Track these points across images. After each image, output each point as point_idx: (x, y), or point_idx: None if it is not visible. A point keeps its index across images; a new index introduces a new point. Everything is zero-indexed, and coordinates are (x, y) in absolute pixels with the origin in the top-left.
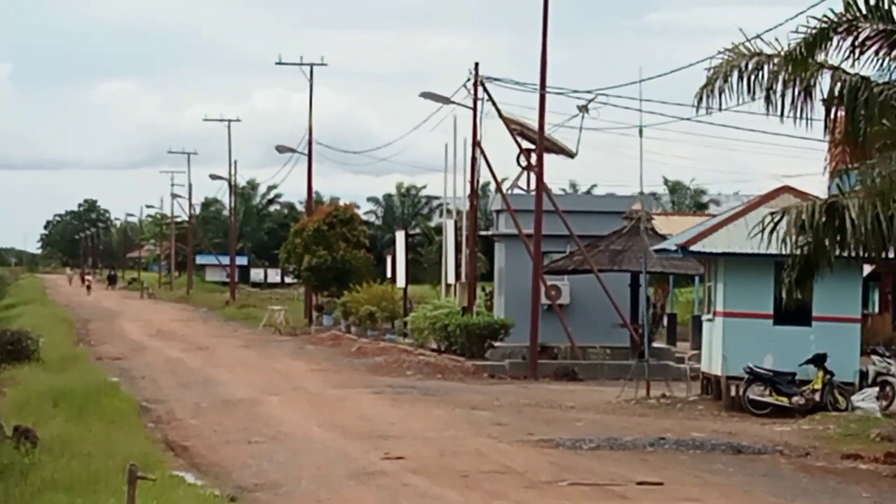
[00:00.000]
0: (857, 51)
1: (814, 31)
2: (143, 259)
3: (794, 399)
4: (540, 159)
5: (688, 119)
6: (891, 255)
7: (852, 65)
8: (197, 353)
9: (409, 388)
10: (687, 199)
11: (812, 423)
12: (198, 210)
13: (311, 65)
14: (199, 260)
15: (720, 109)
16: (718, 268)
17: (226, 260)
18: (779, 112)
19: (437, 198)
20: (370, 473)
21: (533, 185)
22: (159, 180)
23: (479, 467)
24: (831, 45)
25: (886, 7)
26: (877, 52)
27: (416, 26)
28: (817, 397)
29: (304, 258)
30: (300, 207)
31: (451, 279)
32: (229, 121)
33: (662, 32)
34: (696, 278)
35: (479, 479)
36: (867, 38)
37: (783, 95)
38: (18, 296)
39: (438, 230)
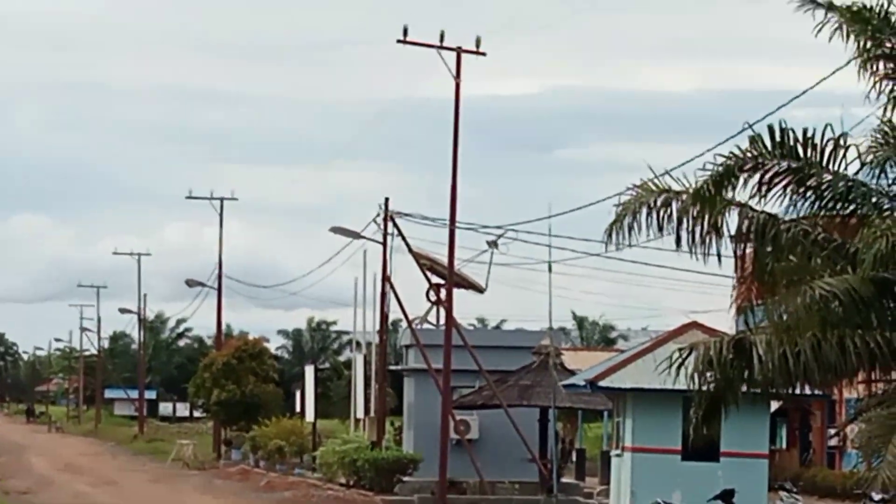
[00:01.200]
0: (765, 188)
1: (721, 169)
2: (52, 392)
3: None
4: (449, 294)
5: (597, 255)
6: (798, 391)
7: (759, 201)
8: (105, 487)
9: None
10: (595, 335)
11: None
12: (106, 344)
13: (222, 199)
14: (108, 394)
15: (629, 245)
16: (627, 403)
17: (134, 394)
18: (687, 248)
19: (346, 332)
20: None
21: (442, 320)
22: (68, 314)
23: None
24: (738, 182)
25: (792, 144)
26: (784, 189)
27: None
28: None
29: (212, 392)
30: (210, 342)
31: (361, 414)
32: (139, 254)
33: (571, 168)
34: (605, 413)
35: None
36: (774, 174)
37: (692, 232)
38: None
39: (348, 364)
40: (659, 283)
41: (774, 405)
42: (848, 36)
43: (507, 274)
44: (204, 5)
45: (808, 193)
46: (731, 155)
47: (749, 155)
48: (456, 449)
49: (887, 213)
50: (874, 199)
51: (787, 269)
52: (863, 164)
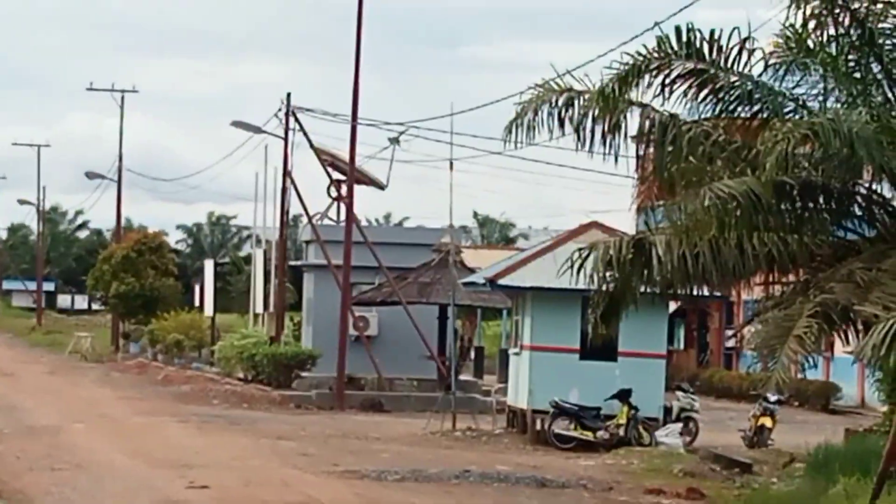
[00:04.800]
0: (668, 89)
1: (626, 68)
2: None
3: (599, 433)
4: (350, 190)
5: (498, 153)
6: (696, 292)
7: (663, 103)
8: (1, 378)
9: (216, 416)
10: (496, 233)
11: (616, 457)
12: (4, 235)
13: (123, 91)
14: (6, 285)
15: (530, 144)
16: (526, 302)
17: (32, 285)
18: (588, 148)
19: (247, 227)
20: (174, 502)
21: (343, 217)
22: None
23: (284, 498)
24: (643, 82)
25: (698, 45)
26: (686, 91)
27: (230, 54)
28: (622, 432)
29: (111, 285)
30: (109, 235)
31: (260, 309)
32: (39, 145)
33: (475, 66)
34: (504, 312)
35: None
36: (679, 75)
37: (593, 131)
38: None
39: (248, 260)
40: (560, 183)
41: (673, 306)
42: None
43: (409, 171)
44: None
45: (711, 95)
46: (636, 55)
47: (655, 55)
48: (355, 345)
49: (789, 115)
50: (777, 102)
51: (687, 170)
52: (767, 67)
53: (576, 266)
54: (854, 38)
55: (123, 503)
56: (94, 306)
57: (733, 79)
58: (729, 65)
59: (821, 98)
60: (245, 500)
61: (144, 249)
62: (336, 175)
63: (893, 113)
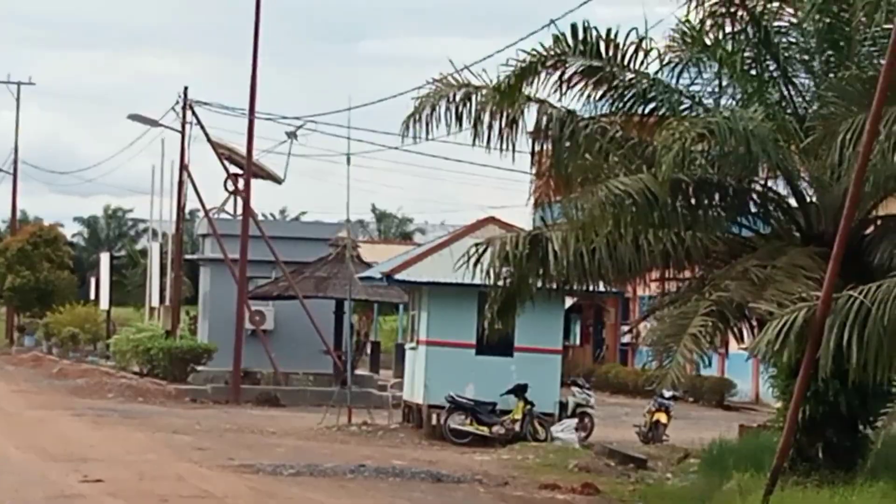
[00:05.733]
0: (565, 85)
1: (523, 65)
2: None
3: (495, 429)
4: (247, 184)
5: (395, 148)
6: (592, 288)
7: (559, 99)
8: None
9: (110, 410)
10: (393, 228)
11: (511, 452)
12: None
13: (19, 83)
14: None
15: (427, 139)
16: (422, 297)
17: None
18: (485, 143)
19: (143, 220)
20: (68, 496)
21: (240, 211)
22: None
23: (179, 492)
24: (539, 79)
25: (594, 42)
26: (584, 88)
27: (128, 47)
28: (517, 427)
29: (6, 278)
30: (4, 227)
31: (156, 302)
32: None
33: (374, 61)
34: (401, 307)
35: (178, 503)
36: (575, 73)
37: (490, 127)
38: None
39: (144, 253)
40: (457, 178)
41: (569, 301)
42: None
43: (306, 165)
44: None
45: (608, 92)
46: (533, 51)
47: (551, 53)
48: (251, 339)
49: (685, 112)
50: (673, 99)
51: (583, 166)
52: (663, 65)
53: (472, 261)
54: (750, 36)
55: (17, 497)
56: None
57: (629, 76)
58: (625, 62)
59: (716, 96)
60: (139, 495)
61: (40, 242)
62: (233, 169)
63: (789, 111)
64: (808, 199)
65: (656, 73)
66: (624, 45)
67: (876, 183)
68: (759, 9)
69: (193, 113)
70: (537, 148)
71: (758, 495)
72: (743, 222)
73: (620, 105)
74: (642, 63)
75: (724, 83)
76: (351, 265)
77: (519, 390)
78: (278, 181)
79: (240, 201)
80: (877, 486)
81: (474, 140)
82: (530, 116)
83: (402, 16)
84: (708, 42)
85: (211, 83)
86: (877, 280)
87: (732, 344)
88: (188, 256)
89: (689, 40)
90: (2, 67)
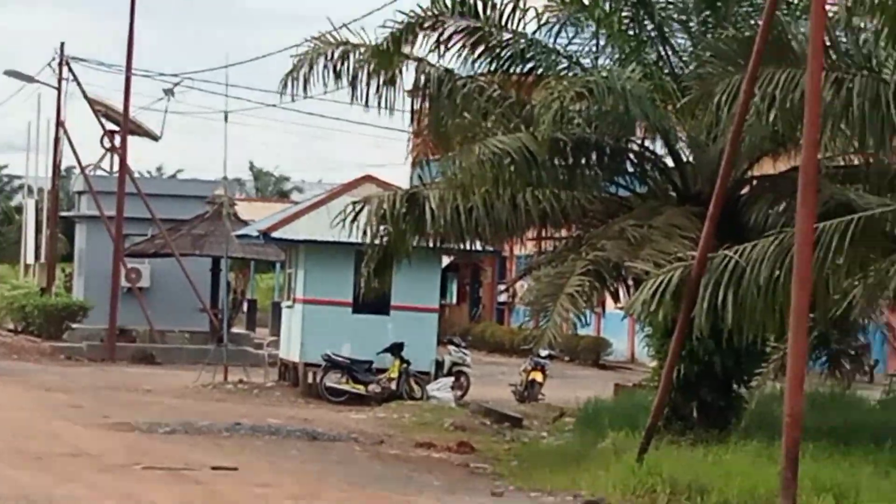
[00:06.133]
0: (443, 45)
1: (401, 27)
2: None
3: (371, 387)
4: (124, 141)
5: (274, 106)
6: (469, 246)
7: (438, 59)
8: None
9: None
10: (271, 186)
11: (387, 411)
12: None
13: None
14: None
15: (305, 97)
16: (299, 255)
17: None
18: (363, 101)
19: (19, 177)
20: None
21: (116, 167)
22: None
23: (54, 450)
24: (418, 38)
25: (472, 3)
26: (462, 48)
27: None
28: (393, 386)
29: None
30: None
31: (31, 259)
32: None
33: (252, 18)
34: (278, 265)
35: (53, 461)
36: (454, 32)
37: (368, 85)
38: None
39: (19, 209)
40: (336, 137)
41: (446, 260)
42: None
43: (183, 122)
44: None
45: (486, 52)
46: (411, 13)
47: (429, 13)
48: (127, 297)
49: (563, 72)
50: (551, 59)
51: (462, 125)
52: (541, 25)
53: (349, 219)
54: None
55: None
56: None
57: (507, 36)
58: (503, 23)
59: (594, 56)
60: (13, 452)
61: None
62: (110, 126)
63: (666, 71)
64: (684, 160)
65: (534, 32)
66: (501, 4)
67: (751, 143)
68: None
69: (70, 69)
70: (416, 107)
71: (632, 454)
72: (620, 182)
73: (499, 65)
74: (520, 23)
75: (602, 43)
76: (228, 223)
77: (395, 349)
78: (155, 138)
79: (116, 158)
80: (750, 444)
81: (352, 98)
82: (409, 75)
83: None
84: (586, 2)
85: (89, 39)
86: (752, 240)
87: (609, 303)
88: (64, 213)
89: (566, 0)
90: None
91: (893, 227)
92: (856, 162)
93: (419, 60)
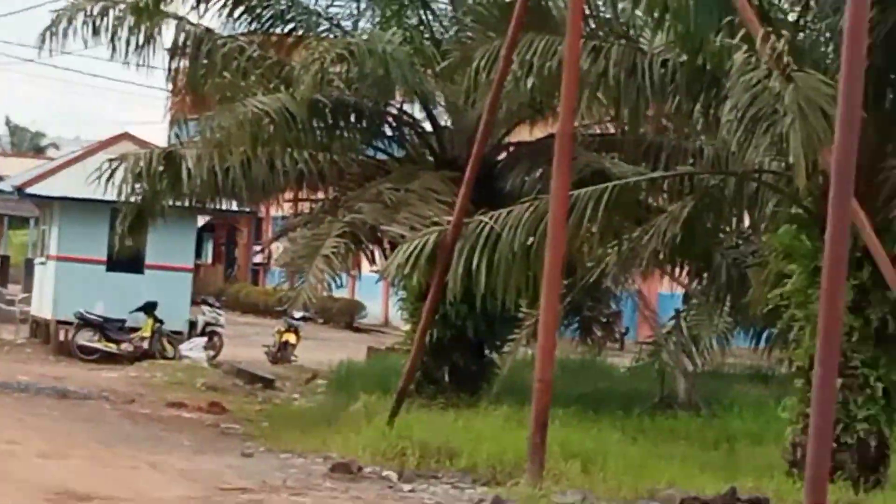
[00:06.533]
0: (203, 4)
1: None
2: None
3: (123, 346)
4: None
5: (31, 60)
6: (225, 206)
7: (199, 17)
8: None
9: None
10: (27, 142)
11: (140, 370)
12: None
13: None
14: None
15: (63, 52)
16: (54, 211)
17: None
18: (122, 58)
19: None
20: None
21: None
22: None
23: None
24: None
25: None
26: (222, 7)
27: None
28: (146, 345)
29: None
30: None
31: None
32: None
33: None
34: (32, 221)
35: None
36: None
37: (128, 42)
38: None
39: None
40: (94, 93)
41: (202, 220)
42: None
43: None
44: None
45: (247, 12)
46: None
47: None
48: None
49: (324, 34)
50: (312, 20)
51: (221, 84)
52: None
53: (105, 177)
54: None
55: None
56: None
57: None
58: None
59: (355, 18)
60: None
61: None
62: None
63: (427, 35)
64: (442, 124)
65: None
66: None
67: (509, 110)
68: None
69: None
70: (174, 65)
71: (384, 417)
72: (379, 145)
73: (259, 25)
74: None
75: (363, 6)
76: None
77: (149, 308)
78: None
79: None
80: (500, 409)
81: (112, 55)
82: (169, 33)
83: None
84: None
85: None
86: (507, 206)
87: (364, 266)
88: None
89: None
90: None
91: (647, 195)
92: (612, 130)
93: (179, 19)
